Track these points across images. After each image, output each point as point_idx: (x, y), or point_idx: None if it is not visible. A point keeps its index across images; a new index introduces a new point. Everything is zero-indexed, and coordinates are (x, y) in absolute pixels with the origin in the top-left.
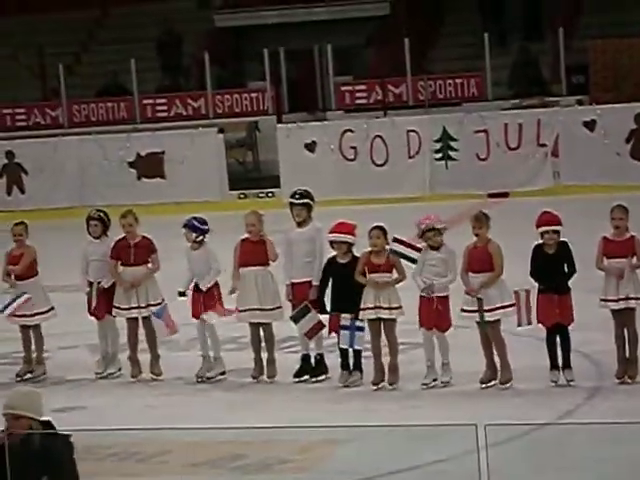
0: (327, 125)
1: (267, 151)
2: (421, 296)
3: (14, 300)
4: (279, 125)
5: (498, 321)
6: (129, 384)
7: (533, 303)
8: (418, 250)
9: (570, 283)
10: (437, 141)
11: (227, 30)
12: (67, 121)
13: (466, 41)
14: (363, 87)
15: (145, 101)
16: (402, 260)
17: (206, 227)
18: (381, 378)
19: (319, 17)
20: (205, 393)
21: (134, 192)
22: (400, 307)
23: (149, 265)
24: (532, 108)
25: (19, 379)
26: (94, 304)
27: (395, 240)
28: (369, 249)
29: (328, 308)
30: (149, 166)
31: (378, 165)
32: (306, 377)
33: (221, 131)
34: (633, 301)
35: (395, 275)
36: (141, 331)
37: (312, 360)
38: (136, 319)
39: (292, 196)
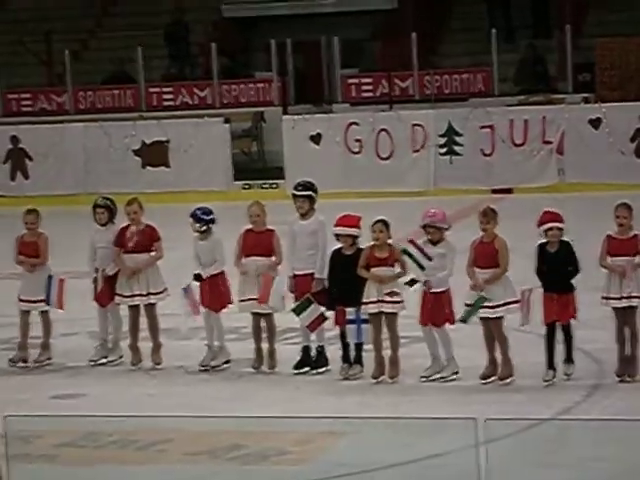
0: (332, 117)
1: (272, 142)
2: (423, 292)
3: (49, 290)
4: (285, 116)
5: (501, 317)
6: (130, 372)
7: (535, 302)
8: (429, 259)
9: (573, 281)
10: (442, 136)
11: (235, 20)
12: (73, 108)
13: (473, 37)
14: (369, 80)
15: (151, 89)
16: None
17: (210, 217)
18: (381, 372)
19: (326, 9)
20: (205, 383)
21: (139, 180)
22: (402, 301)
23: (152, 253)
24: (538, 105)
25: (12, 364)
26: (99, 291)
27: (410, 242)
28: (372, 243)
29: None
30: (154, 154)
31: (383, 159)
32: (307, 369)
33: (227, 121)
34: (635, 299)
35: (397, 269)
36: (143, 319)
37: (313, 352)
38: (137, 306)
39: (295, 188)
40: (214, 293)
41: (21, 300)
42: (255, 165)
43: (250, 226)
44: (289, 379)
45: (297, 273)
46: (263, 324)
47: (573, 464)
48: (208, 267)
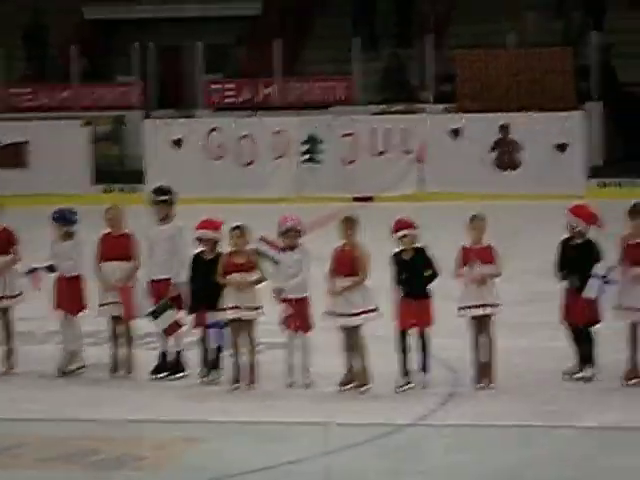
0: (194, 122)
1: (133, 146)
2: (282, 298)
3: None
4: (146, 120)
5: (360, 325)
6: None
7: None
8: (283, 250)
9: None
10: (304, 143)
11: (97, 23)
12: None
13: (337, 44)
14: (232, 86)
15: (11, 90)
16: (265, 260)
17: (75, 218)
18: (238, 377)
19: (191, 14)
20: (61, 387)
21: None
22: (260, 307)
23: (9, 256)
24: (399, 114)
25: None
26: None
27: (261, 239)
28: (230, 249)
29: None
30: (11, 156)
31: (245, 164)
32: (164, 374)
33: (87, 124)
34: (490, 308)
35: (256, 275)
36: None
37: (171, 357)
38: None
39: (153, 193)
40: (71, 296)
41: None
42: (116, 168)
43: (108, 230)
44: (146, 384)
45: (154, 278)
46: (121, 329)
47: (427, 471)
48: (65, 269)
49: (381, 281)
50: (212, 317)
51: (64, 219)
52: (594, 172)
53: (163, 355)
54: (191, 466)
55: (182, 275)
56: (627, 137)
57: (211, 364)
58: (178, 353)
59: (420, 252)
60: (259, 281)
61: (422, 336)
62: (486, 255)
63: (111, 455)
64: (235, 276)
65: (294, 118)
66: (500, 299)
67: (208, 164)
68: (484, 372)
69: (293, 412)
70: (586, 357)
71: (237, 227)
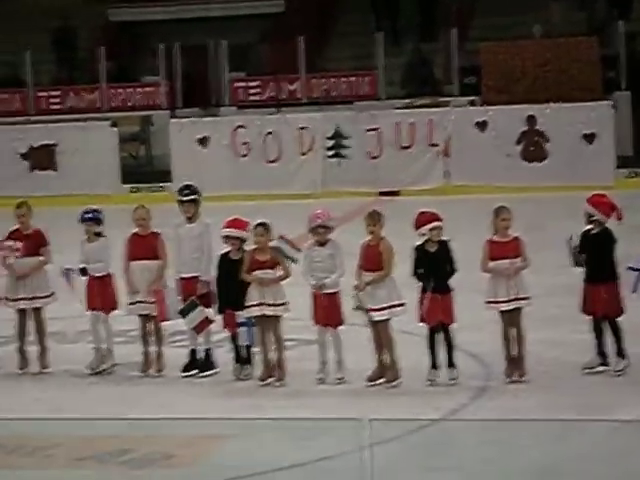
0: (220, 121)
1: (160, 146)
2: (313, 293)
3: None
4: (172, 120)
5: (387, 320)
6: (17, 377)
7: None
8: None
9: (454, 283)
10: (330, 138)
11: (122, 24)
12: None
13: (360, 40)
14: (257, 83)
15: (40, 93)
16: (284, 258)
17: (101, 216)
18: (268, 374)
19: (214, 13)
20: (93, 386)
21: (26, 184)
22: (285, 303)
23: (40, 258)
24: (424, 108)
25: None
26: None
27: (280, 237)
28: (254, 246)
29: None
30: (42, 158)
31: (270, 161)
32: (194, 372)
33: (114, 125)
34: (521, 301)
35: (280, 272)
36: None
37: (200, 355)
38: (25, 311)
39: (179, 192)
40: (102, 295)
41: None
42: (143, 168)
43: (136, 230)
44: (177, 382)
45: (183, 276)
46: (151, 327)
47: (460, 466)
48: (95, 269)
49: (407, 276)
50: (241, 316)
51: (93, 219)
52: (623, 162)
53: (193, 353)
54: (222, 464)
55: (210, 272)
56: None
57: (244, 361)
58: (207, 351)
59: (444, 245)
60: (283, 277)
61: (447, 332)
62: (513, 247)
63: (143, 453)
64: (258, 273)
65: (319, 114)
66: (530, 292)
67: (234, 162)
68: (515, 366)
69: (324, 408)
70: (617, 350)
71: (260, 224)
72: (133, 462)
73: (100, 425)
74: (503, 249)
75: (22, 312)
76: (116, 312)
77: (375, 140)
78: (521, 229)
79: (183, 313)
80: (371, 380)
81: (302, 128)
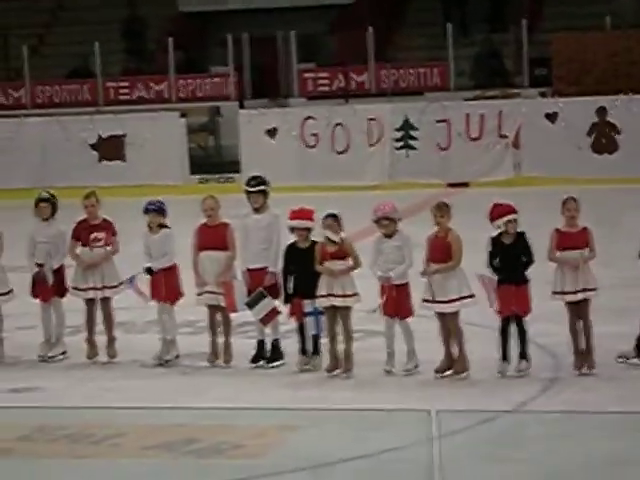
0: (288, 112)
1: (228, 136)
2: (381, 285)
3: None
4: (241, 111)
5: (457, 312)
6: (85, 366)
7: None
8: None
9: (527, 274)
10: (398, 130)
11: (191, 15)
12: (30, 102)
13: (429, 31)
14: (325, 74)
15: (108, 84)
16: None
17: (165, 207)
18: (335, 365)
19: (283, 4)
20: (161, 376)
21: (95, 174)
22: (354, 294)
23: (108, 247)
24: (494, 99)
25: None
26: (49, 285)
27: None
28: (325, 237)
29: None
30: (110, 148)
31: (339, 152)
32: (262, 363)
33: (183, 115)
34: (588, 292)
35: (350, 262)
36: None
37: (268, 346)
38: (93, 300)
39: (247, 183)
40: (167, 286)
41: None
42: (211, 159)
43: (205, 220)
44: (245, 373)
45: (250, 267)
46: (219, 318)
47: (529, 458)
48: (159, 260)
49: (476, 267)
50: (308, 306)
51: (156, 210)
52: None
53: (260, 343)
54: (290, 454)
55: (278, 264)
56: None
57: (310, 352)
58: (275, 341)
59: (521, 237)
60: (352, 268)
61: (520, 323)
62: (581, 238)
63: (210, 443)
64: (327, 264)
65: (387, 105)
66: (597, 283)
67: (302, 153)
68: (584, 358)
69: (392, 399)
70: None
71: (329, 215)
72: (201, 451)
73: (167, 414)
74: (570, 239)
75: (91, 302)
76: (181, 302)
77: (444, 131)
78: (591, 221)
79: (250, 305)
80: (439, 371)
81: (371, 119)
